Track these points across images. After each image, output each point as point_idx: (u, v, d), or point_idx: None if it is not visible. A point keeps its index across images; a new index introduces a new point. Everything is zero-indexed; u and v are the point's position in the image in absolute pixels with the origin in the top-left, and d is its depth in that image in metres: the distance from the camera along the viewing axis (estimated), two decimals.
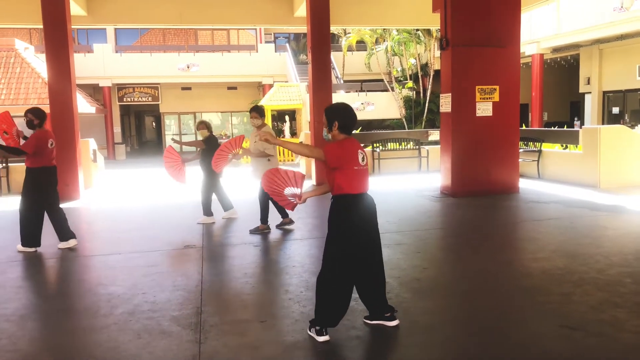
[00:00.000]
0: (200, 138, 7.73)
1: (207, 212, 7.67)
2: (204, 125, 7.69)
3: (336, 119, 3.66)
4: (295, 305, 4.23)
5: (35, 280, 5.44)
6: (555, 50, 19.71)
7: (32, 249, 6.18)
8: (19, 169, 11.65)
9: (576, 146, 11.08)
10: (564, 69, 21.93)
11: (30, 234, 6.14)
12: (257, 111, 6.80)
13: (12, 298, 4.68)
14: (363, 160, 3.63)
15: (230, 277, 5.20)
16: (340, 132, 3.67)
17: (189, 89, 27.07)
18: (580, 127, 11.15)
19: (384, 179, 11.96)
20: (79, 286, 5.14)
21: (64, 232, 6.35)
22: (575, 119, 21.36)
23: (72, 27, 10.88)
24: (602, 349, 3.39)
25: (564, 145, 11.90)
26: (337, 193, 3.63)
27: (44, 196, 6.13)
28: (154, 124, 31.24)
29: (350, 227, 3.58)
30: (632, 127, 10.68)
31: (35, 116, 6.03)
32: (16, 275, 5.47)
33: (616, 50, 18.19)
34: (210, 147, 7.50)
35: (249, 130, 28.12)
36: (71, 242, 6.37)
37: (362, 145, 3.81)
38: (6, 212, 8.95)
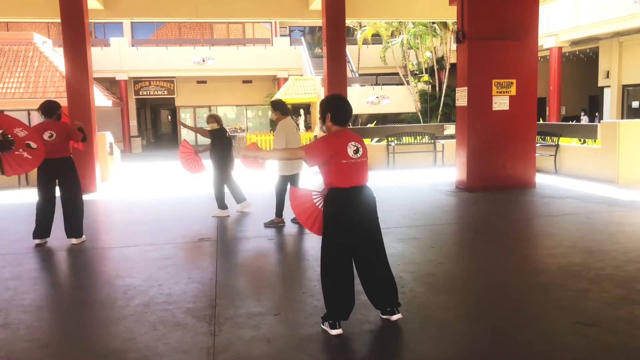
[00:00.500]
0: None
1: (221, 205, 7.72)
2: (213, 118, 7.74)
3: (328, 110, 3.63)
4: (309, 299, 4.25)
5: (52, 272, 5.53)
6: (574, 43, 19.41)
7: (40, 241, 6.20)
8: None
9: (594, 141, 10.92)
10: (582, 62, 21.58)
11: (36, 225, 6.19)
12: (272, 105, 6.93)
13: (30, 289, 4.76)
14: (356, 153, 3.54)
15: (244, 271, 5.23)
16: (333, 124, 3.63)
17: (205, 82, 27.19)
18: (599, 122, 10.97)
19: (399, 173, 11.92)
20: (96, 278, 5.21)
21: (71, 228, 6.26)
22: (582, 113, 20.94)
23: (89, 21, 10.98)
24: (618, 345, 3.35)
25: (582, 139, 11.74)
26: (328, 187, 3.62)
27: (41, 188, 6.11)
28: (169, 117, 31.45)
29: (343, 221, 3.55)
30: None
31: (39, 109, 6.10)
32: (33, 267, 5.56)
33: (636, 43, 17.84)
34: (218, 140, 7.57)
35: (264, 124, 28.20)
36: (73, 240, 6.26)
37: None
38: (23, 204, 9.08)
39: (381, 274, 3.71)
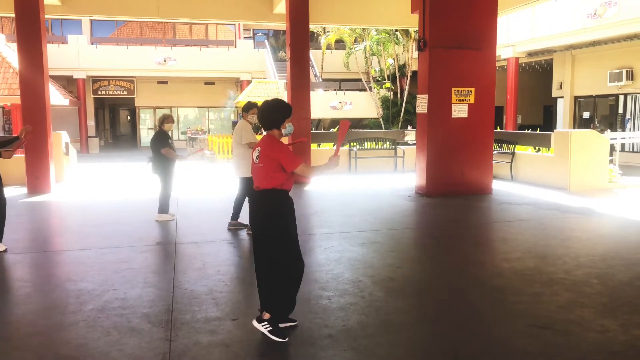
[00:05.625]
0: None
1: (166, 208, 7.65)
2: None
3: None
4: None
5: (2, 275, 5.30)
6: (530, 54, 20.02)
7: None
8: None
9: (548, 149, 11.29)
10: (538, 73, 22.27)
11: None
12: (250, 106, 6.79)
13: None
14: (257, 159, 3.66)
15: (202, 275, 5.15)
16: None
17: (166, 83, 26.73)
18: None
19: (361, 178, 12.01)
20: (48, 282, 5.03)
21: None
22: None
23: (46, 16, 10.64)
24: (569, 347, 3.46)
25: (537, 148, 12.12)
26: None
27: None
28: (128, 117, 30.76)
29: None
30: (602, 131, 10.92)
31: None
32: None
33: (588, 56, 18.56)
34: (154, 145, 7.38)
35: (225, 126, 27.93)
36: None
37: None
38: None
39: (263, 278, 3.70)
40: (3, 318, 4.08)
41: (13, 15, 10.07)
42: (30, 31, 9.98)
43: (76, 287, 4.64)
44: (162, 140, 7.33)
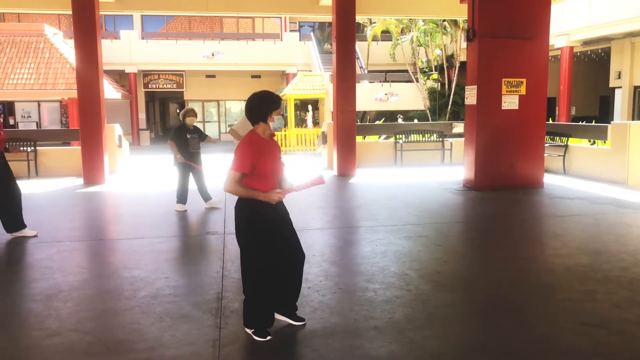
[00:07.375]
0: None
1: (182, 199, 7.80)
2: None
3: None
4: (314, 294, 4.25)
5: (61, 262, 5.56)
6: (586, 43, 19.25)
7: (17, 234, 6.20)
8: (47, 152, 11.89)
9: (604, 142, 10.85)
10: (594, 63, 21.39)
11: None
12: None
13: (39, 278, 4.81)
14: None
15: None
16: None
17: (213, 76, 27.22)
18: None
19: (407, 171, 11.90)
20: (104, 269, 5.25)
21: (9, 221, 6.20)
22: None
23: (100, 13, 11.02)
24: (624, 347, 3.35)
25: (592, 140, 11.67)
26: None
27: None
28: (178, 110, 31.51)
29: None
30: None
31: None
32: (42, 256, 5.60)
33: None
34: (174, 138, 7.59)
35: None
36: (26, 232, 6.23)
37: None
38: (34, 194, 9.14)
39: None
40: (64, 302, 4.28)
41: (70, 12, 10.49)
42: (86, 28, 10.36)
43: (130, 275, 4.82)
44: (177, 134, 7.58)
